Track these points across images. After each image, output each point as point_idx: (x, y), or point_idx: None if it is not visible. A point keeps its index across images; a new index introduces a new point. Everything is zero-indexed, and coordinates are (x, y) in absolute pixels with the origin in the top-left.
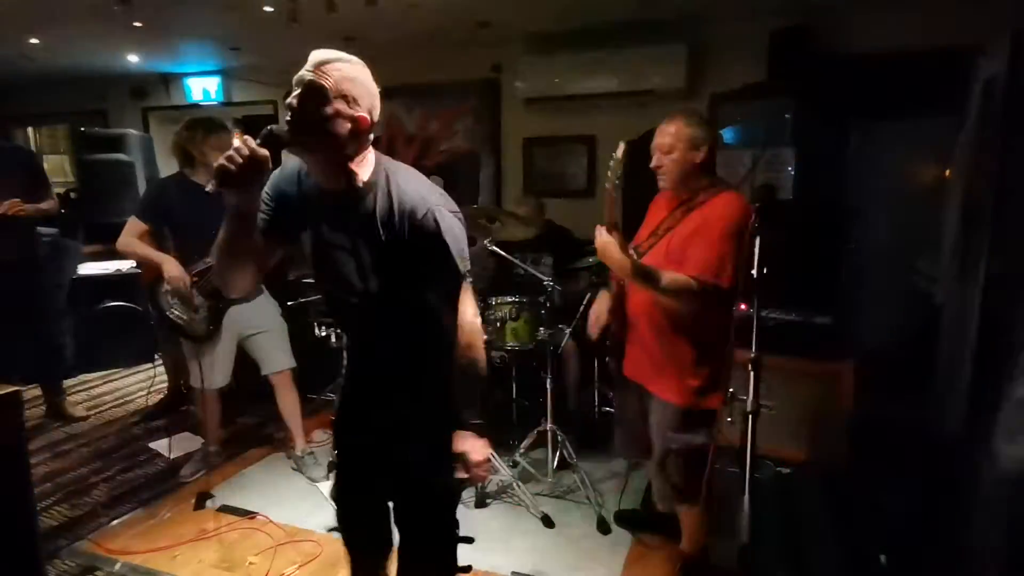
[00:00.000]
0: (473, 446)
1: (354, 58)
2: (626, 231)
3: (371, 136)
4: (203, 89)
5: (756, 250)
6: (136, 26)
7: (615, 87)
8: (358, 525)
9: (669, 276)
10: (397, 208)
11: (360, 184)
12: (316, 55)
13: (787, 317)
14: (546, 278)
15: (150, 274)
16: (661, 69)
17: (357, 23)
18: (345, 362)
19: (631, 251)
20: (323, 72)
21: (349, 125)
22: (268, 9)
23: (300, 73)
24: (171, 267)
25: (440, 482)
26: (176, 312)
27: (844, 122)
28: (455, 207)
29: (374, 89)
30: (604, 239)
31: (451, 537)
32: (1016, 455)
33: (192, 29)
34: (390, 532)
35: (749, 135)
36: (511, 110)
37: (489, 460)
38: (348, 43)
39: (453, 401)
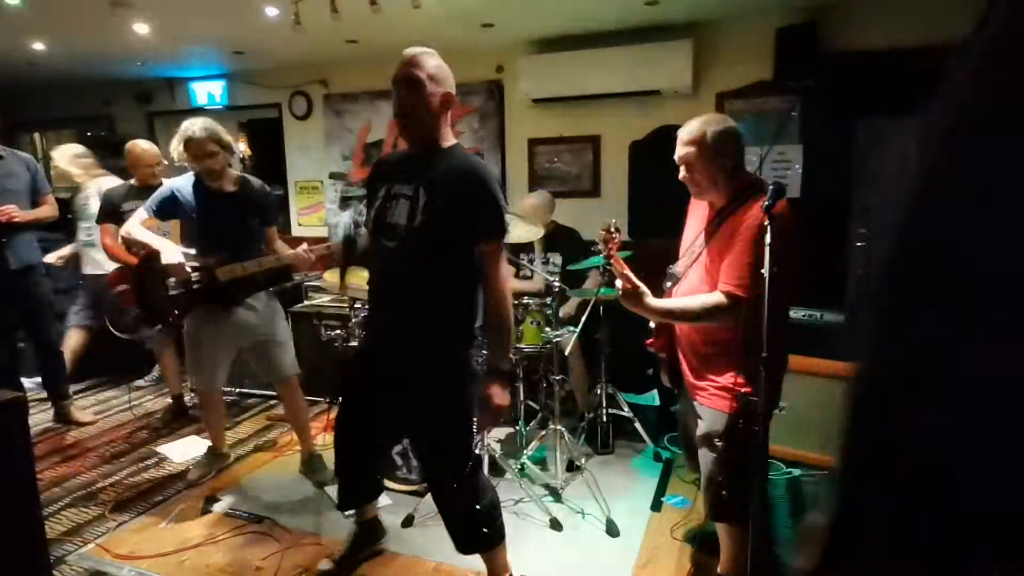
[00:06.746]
0: (497, 391)
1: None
2: (633, 230)
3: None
4: (208, 93)
5: (767, 249)
6: (141, 31)
7: (620, 87)
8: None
9: (697, 303)
10: None
11: None
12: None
13: (796, 315)
14: (553, 279)
15: (140, 259)
16: (666, 68)
17: (360, 26)
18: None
19: (671, 267)
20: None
21: None
22: (272, 13)
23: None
24: (172, 254)
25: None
26: (151, 293)
27: (851, 119)
28: None
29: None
30: (623, 293)
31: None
32: None
33: (196, 34)
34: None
35: (756, 133)
36: (516, 110)
37: (507, 407)
38: (351, 46)
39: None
